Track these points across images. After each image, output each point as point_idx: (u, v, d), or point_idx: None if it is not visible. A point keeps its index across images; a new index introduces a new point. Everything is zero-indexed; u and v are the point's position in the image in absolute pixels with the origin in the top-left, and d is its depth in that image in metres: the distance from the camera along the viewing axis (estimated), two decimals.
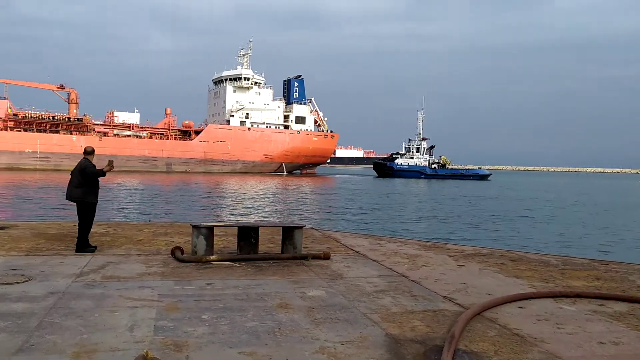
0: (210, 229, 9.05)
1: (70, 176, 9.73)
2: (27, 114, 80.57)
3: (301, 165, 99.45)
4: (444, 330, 5.49)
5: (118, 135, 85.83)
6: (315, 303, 6.40)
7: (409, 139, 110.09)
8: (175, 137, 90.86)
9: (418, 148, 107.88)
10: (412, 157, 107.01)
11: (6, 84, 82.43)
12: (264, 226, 10.07)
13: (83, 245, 9.42)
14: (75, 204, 9.66)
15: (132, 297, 6.39)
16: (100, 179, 9.73)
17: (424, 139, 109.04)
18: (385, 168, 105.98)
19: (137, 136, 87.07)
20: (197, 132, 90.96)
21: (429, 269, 8.77)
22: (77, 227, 9.72)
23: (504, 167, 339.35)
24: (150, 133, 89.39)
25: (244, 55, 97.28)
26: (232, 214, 28.99)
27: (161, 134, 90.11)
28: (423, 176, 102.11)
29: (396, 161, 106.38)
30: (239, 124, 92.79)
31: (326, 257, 9.29)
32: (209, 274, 7.88)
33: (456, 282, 7.83)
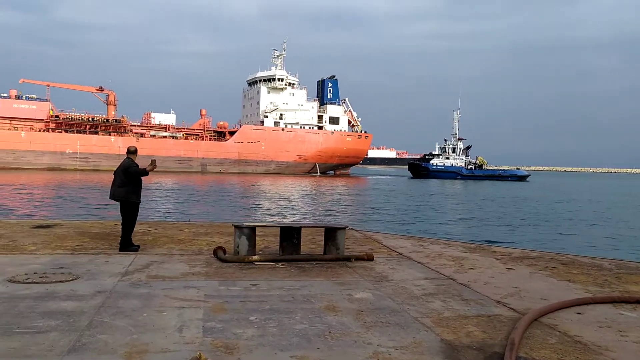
0: (253, 229, 8.98)
1: (113, 176, 9.78)
2: (67, 116, 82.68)
3: (335, 166, 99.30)
4: (502, 337, 5.25)
5: (155, 136, 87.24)
6: (363, 306, 6.23)
7: (445, 140, 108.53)
8: (210, 138, 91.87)
9: (454, 148, 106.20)
10: (447, 158, 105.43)
11: (48, 86, 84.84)
12: (306, 227, 9.95)
13: (126, 244, 9.47)
14: (118, 203, 9.71)
15: (178, 297, 6.34)
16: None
17: (460, 139, 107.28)
18: (420, 169, 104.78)
19: (173, 137, 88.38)
20: (232, 133, 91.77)
21: (477, 272, 8.50)
22: (120, 227, 9.78)
23: (542, 168, 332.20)
24: (186, 134, 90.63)
25: (278, 56, 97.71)
26: (268, 214, 29.05)
27: (196, 134, 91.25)
28: (459, 177, 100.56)
29: (432, 162, 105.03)
30: (272, 125, 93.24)
31: (369, 258, 9.11)
32: (252, 274, 7.80)
33: (507, 286, 7.55)
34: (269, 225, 9.38)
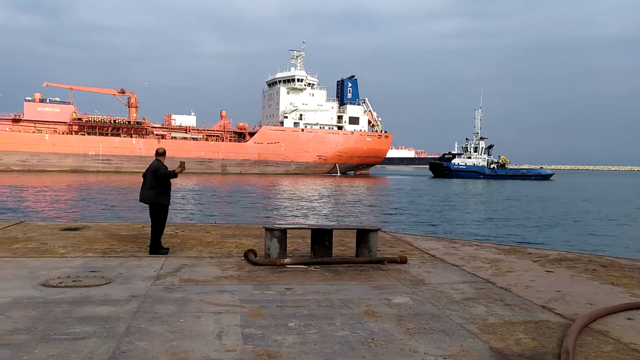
0: (284, 231, 8.83)
1: (142, 178, 9.72)
2: (90, 118, 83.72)
3: (355, 166, 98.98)
4: (553, 345, 5.02)
5: (175, 137, 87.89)
6: (403, 311, 6.04)
7: (466, 139, 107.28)
8: (230, 139, 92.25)
9: (476, 147, 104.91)
10: (469, 157, 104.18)
11: (71, 89, 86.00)
12: (338, 228, 9.77)
13: (156, 247, 9.38)
14: (147, 205, 9.64)
15: (213, 301, 6.21)
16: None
17: (482, 138, 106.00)
18: (441, 168, 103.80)
19: (193, 138, 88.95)
20: (252, 134, 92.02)
21: (516, 275, 8.24)
22: (149, 229, 9.71)
23: (564, 167, 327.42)
24: (206, 135, 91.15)
25: (297, 56, 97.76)
26: (291, 216, 28.96)
27: (217, 136, 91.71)
28: (481, 176, 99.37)
29: (453, 161, 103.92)
30: (292, 125, 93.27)
31: (403, 261, 8.91)
32: (285, 278, 7.65)
33: (549, 290, 7.28)
34: (300, 227, 9.23)
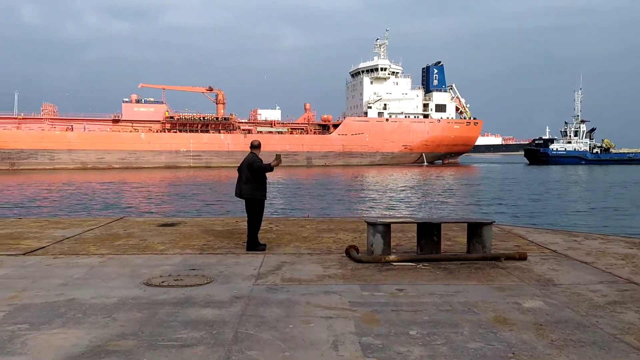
0: (387, 225, 8.21)
1: (237, 172, 9.42)
2: (181, 116, 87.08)
3: (442, 155, 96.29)
4: None
5: (261, 132, 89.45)
6: (540, 318, 5.24)
7: (565, 122, 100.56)
8: (314, 132, 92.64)
9: (576, 131, 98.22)
10: (569, 142, 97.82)
11: (163, 89, 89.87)
12: (448, 222, 9.04)
13: (253, 243, 9.06)
14: (242, 200, 9.34)
15: (321, 304, 5.72)
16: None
17: (582, 121, 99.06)
18: (538, 154, 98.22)
19: (278, 132, 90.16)
20: (336, 126, 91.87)
21: None
22: (244, 224, 9.40)
23: None
24: (291, 128, 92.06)
25: (380, 45, 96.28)
26: (380, 208, 28.27)
27: (301, 129, 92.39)
28: (583, 162, 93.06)
29: (551, 146, 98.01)
30: (376, 116, 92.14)
31: (522, 257, 8.02)
32: (394, 277, 7.03)
33: None
34: (405, 222, 8.58)
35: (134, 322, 5.06)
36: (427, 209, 27.72)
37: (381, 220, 8.28)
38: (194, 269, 7.46)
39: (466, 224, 8.57)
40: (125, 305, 5.63)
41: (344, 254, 8.43)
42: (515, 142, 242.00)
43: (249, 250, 8.97)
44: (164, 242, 9.76)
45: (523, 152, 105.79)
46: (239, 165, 9.49)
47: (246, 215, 9.29)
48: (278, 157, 9.17)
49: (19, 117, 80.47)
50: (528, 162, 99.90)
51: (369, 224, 8.26)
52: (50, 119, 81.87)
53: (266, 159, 9.24)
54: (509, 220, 20.79)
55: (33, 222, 12.69)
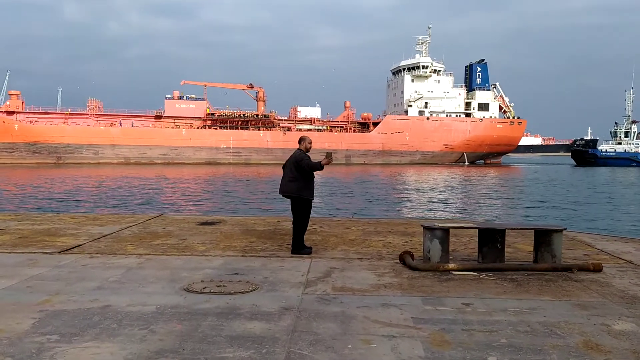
0: (446, 230, 7.51)
1: (282, 170, 8.86)
2: (222, 113, 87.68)
3: (484, 155, 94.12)
4: None
5: (300, 129, 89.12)
6: (637, 344, 4.49)
7: (615, 122, 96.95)
8: (354, 130, 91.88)
9: (627, 132, 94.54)
10: (619, 143, 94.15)
11: (205, 86, 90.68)
12: (513, 228, 8.27)
13: (299, 246, 8.48)
14: (289, 200, 8.76)
15: (380, 319, 5.10)
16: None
17: (634, 121, 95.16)
18: (586, 155, 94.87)
19: (318, 130, 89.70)
20: (375, 124, 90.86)
21: None
22: (288, 225, 8.82)
23: None
24: (330, 126, 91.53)
25: (422, 42, 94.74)
26: (423, 209, 27.40)
27: (341, 126, 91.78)
28: (634, 164, 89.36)
29: (600, 148, 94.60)
30: (417, 114, 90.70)
31: (597, 269, 7.20)
32: (456, 288, 6.34)
33: None
34: (466, 227, 7.87)
35: (174, 336, 4.55)
36: (472, 210, 26.71)
37: (439, 224, 7.58)
38: (237, 274, 6.94)
39: (533, 230, 7.78)
40: (164, 315, 5.14)
41: (397, 260, 7.79)
42: (555, 143, 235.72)
43: (294, 253, 8.41)
44: (204, 242, 9.31)
45: (564, 153, 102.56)
46: (284, 162, 8.96)
47: (291, 215, 8.73)
48: (329, 155, 8.58)
49: (67, 112, 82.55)
50: (575, 163, 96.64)
51: (426, 228, 7.58)
52: (96, 114, 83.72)
53: (313, 158, 8.66)
54: (562, 224, 19.65)
55: (71, 218, 12.47)
